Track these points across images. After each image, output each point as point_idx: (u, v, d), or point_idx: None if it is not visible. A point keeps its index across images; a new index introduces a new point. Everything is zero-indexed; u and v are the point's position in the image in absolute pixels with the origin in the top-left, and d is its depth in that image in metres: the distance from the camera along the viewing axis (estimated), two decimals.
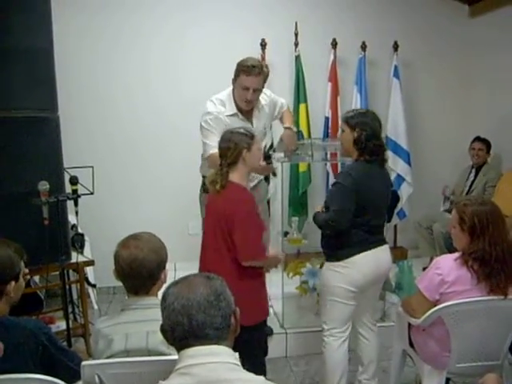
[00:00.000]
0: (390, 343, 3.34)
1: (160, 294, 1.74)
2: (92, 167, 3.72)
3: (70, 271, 4.00)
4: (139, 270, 2.12)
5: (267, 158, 3.19)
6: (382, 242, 3.15)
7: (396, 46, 5.61)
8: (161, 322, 1.63)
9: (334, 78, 5.51)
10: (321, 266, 4.11)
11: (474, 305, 2.62)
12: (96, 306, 4.79)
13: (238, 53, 5.25)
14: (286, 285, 4.09)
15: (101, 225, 4.93)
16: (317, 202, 5.02)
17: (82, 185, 3.60)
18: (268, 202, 4.69)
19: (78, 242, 3.99)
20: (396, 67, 5.60)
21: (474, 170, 5.36)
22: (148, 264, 2.13)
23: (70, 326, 3.50)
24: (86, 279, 4.21)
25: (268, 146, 3.41)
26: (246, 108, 3.59)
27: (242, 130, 2.87)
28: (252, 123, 3.68)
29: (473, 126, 5.70)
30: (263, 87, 3.64)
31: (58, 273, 3.57)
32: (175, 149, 5.20)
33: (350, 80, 5.61)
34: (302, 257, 4.99)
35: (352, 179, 2.92)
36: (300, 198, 5.51)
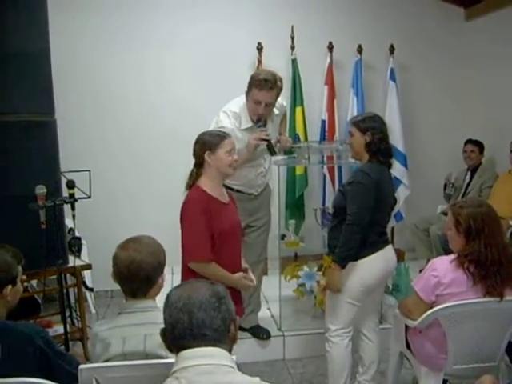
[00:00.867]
0: (387, 345, 3.35)
1: (158, 298, 1.75)
2: (89, 171, 3.72)
3: (68, 275, 4.00)
4: (137, 272, 2.12)
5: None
6: (388, 242, 3.20)
7: (392, 49, 5.64)
8: (159, 326, 1.64)
9: (330, 81, 5.53)
10: (319, 269, 4.13)
11: (470, 307, 2.63)
12: (93, 310, 4.80)
13: (234, 56, 5.34)
14: (283, 288, 4.09)
15: (98, 228, 4.94)
16: (313, 205, 5.07)
17: (78, 188, 3.60)
18: None
19: (76, 245, 4.00)
20: (392, 70, 5.62)
21: (469, 172, 5.39)
22: (146, 267, 2.13)
23: (68, 329, 3.50)
24: (84, 283, 4.21)
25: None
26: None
27: (214, 132, 2.89)
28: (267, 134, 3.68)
29: (469, 128, 5.71)
30: (276, 101, 3.58)
31: (55, 277, 3.57)
32: (173, 152, 5.19)
33: (347, 83, 5.63)
34: (299, 260, 5.01)
35: (370, 178, 2.98)
36: (297, 201, 5.52)
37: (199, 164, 2.83)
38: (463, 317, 2.64)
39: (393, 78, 5.62)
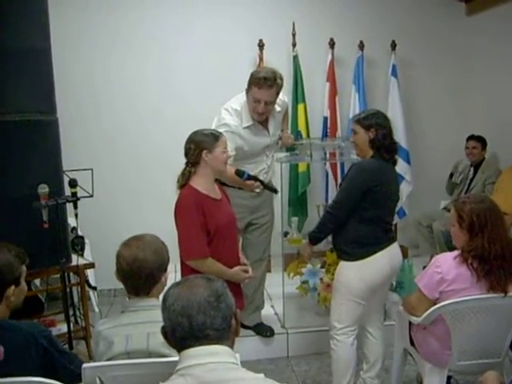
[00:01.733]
0: (391, 342, 3.35)
1: (161, 296, 1.74)
2: (91, 170, 3.72)
3: (71, 274, 4.00)
4: (139, 270, 2.12)
5: (241, 174, 3.28)
6: (393, 239, 3.19)
7: (394, 45, 5.63)
8: (161, 324, 1.63)
9: (331, 77, 5.52)
10: (322, 266, 4.13)
11: (474, 303, 2.62)
12: (97, 309, 4.80)
13: (236, 53, 5.33)
14: (286, 285, 4.09)
15: (101, 227, 4.94)
16: (316, 202, 5.07)
17: (81, 187, 3.59)
18: None
19: (79, 244, 3.99)
20: (394, 66, 5.61)
21: (472, 168, 5.37)
22: (148, 265, 2.13)
23: (71, 328, 3.50)
24: (87, 282, 4.22)
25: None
26: (259, 119, 3.56)
27: (206, 131, 2.89)
28: (268, 131, 3.68)
29: (471, 124, 5.70)
30: (276, 99, 3.57)
31: (58, 276, 3.57)
32: (174, 150, 5.09)
33: (348, 79, 5.62)
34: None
35: (363, 175, 3.01)
36: (300, 198, 5.52)
37: (193, 163, 2.83)
38: (467, 313, 2.64)
39: (394, 74, 5.61)
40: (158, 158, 5.32)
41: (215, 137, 2.85)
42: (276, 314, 4.31)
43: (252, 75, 3.48)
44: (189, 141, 2.85)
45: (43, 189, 3.21)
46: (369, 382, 3.31)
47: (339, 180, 5.41)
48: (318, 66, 5.55)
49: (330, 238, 3.29)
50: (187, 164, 2.87)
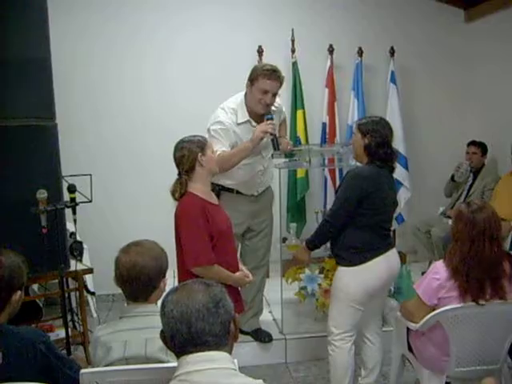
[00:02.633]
0: (389, 348, 3.35)
1: (160, 302, 1.73)
2: (90, 175, 3.72)
3: (69, 279, 3.99)
4: (138, 276, 2.12)
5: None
6: (391, 245, 3.19)
7: (392, 51, 5.64)
8: (160, 329, 1.63)
9: (330, 83, 5.53)
10: (320, 272, 4.13)
11: (472, 309, 2.62)
12: (95, 314, 4.79)
13: (235, 59, 5.33)
14: (284, 291, 4.08)
15: (100, 232, 4.94)
16: (315, 208, 5.06)
17: (80, 192, 3.60)
18: None
19: (77, 249, 4.00)
20: (393, 72, 5.62)
21: (472, 174, 5.38)
22: (147, 271, 2.13)
23: (70, 334, 3.50)
24: (85, 287, 4.21)
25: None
26: (262, 111, 3.51)
27: (192, 138, 2.89)
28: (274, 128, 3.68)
29: (469, 130, 5.72)
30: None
31: (57, 281, 3.57)
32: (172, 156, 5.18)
33: (347, 86, 5.63)
34: None
35: (359, 182, 3.01)
36: (298, 204, 5.52)
37: (188, 170, 2.83)
38: (465, 319, 2.64)
39: (393, 80, 5.62)
40: (157, 163, 5.28)
41: (203, 139, 2.91)
42: (274, 319, 4.31)
43: (258, 68, 3.50)
44: (179, 149, 2.85)
45: (42, 194, 3.22)
46: None
47: (338, 186, 5.41)
48: (317, 72, 5.56)
49: (328, 244, 3.30)
50: (180, 173, 2.86)
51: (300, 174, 5.40)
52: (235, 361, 1.63)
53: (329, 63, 5.53)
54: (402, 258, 5.44)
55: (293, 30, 5.37)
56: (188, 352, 1.55)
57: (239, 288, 3.06)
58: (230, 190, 3.62)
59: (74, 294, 4.14)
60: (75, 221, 3.52)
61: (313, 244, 3.22)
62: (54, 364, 2.11)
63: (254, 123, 3.55)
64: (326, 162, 4.43)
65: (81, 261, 3.98)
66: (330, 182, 5.52)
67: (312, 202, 5.57)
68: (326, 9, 5.63)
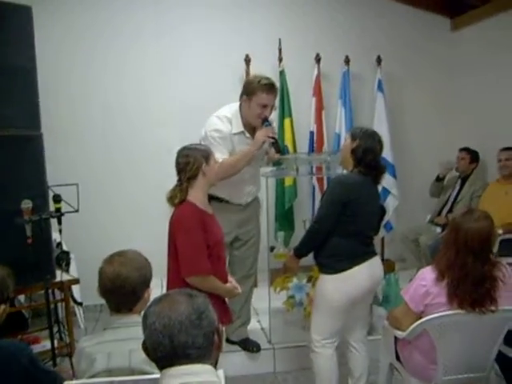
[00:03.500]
0: (377, 356, 3.34)
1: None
2: (77, 184, 3.70)
3: (56, 290, 3.96)
4: (122, 286, 2.11)
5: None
6: (374, 253, 3.20)
7: (379, 60, 5.68)
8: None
9: (318, 92, 5.55)
10: (308, 280, 4.12)
11: (459, 317, 2.62)
12: (82, 325, 4.75)
13: (222, 69, 5.34)
14: (272, 300, 4.08)
15: (87, 242, 4.89)
16: (303, 216, 5.06)
17: (66, 202, 3.57)
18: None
19: (64, 260, 3.97)
20: (380, 81, 5.65)
21: (459, 181, 5.40)
22: (131, 281, 2.12)
23: (56, 345, 3.46)
24: (72, 297, 4.17)
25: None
26: (260, 124, 3.50)
27: (198, 146, 2.91)
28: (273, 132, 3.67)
29: (457, 138, 5.75)
30: None
31: (43, 291, 3.53)
32: (159, 167, 5.15)
33: (335, 94, 5.65)
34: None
35: (341, 189, 3.01)
36: (286, 213, 5.50)
37: (190, 177, 2.81)
38: (452, 327, 2.64)
39: (380, 88, 5.65)
40: (142, 174, 5.30)
41: (208, 148, 2.92)
42: (262, 329, 4.30)
43: (255, 82, 3.47)
44: (185, 155, 2.82)
45: (26, 204, 3.20)
46: None
47: None
48: (305, 80, 5.57)
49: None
50: (181, 179, 2.84)
51: (288, 182, 5.40)
52: (220, 373, 1.61)
53: (316, 72, 5.55)
54: (391, 265, 5.49)
55: (280, 39, 5.38)
56: (170, 365, 1.53)
57: (226, 298, 3.04)
58: (218, 199, 3.61)
59: (61, 305, 4.10)
60: (60, 231, 3.49)
61: (300, 252, 3.22)
62: (37, 378, 2.09)
63: (247, 134, 3.55)
64: (314, 170, 4.43)
65: (68, 271, 3.95)
66: (317, 190, 5.50)
67: (300, 211, 5.57)
68: (313, 18, 5.67)
